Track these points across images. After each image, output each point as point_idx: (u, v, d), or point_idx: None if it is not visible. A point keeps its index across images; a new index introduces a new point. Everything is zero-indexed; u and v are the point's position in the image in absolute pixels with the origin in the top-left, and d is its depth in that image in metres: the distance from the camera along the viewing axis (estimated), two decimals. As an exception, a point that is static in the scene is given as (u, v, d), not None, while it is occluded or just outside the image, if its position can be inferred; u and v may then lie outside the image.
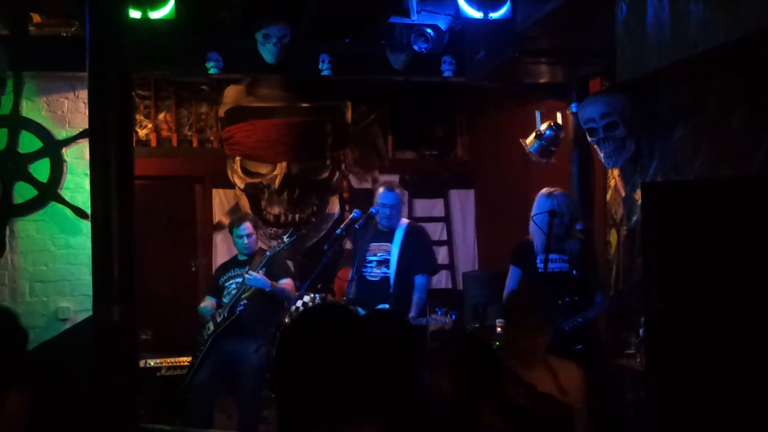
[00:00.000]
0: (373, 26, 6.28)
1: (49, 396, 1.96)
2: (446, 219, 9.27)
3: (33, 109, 7.13)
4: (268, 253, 6.19)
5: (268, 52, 6.32)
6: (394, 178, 8.84)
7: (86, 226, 6.84)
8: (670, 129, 5.16)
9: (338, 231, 6.08)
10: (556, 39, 5.34)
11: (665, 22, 3.81)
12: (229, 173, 8.47)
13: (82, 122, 7.07)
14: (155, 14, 5.55)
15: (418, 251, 5.96)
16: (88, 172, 4.78)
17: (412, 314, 5.72)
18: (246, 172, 8.46)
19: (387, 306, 5.74)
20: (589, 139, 5.71)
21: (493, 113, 8.66)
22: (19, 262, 7.10)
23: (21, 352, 1.95)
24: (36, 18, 6.80)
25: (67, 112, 7.22)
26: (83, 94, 6.96)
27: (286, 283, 6.32)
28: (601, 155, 5.65)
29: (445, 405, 2.86)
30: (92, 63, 4.63)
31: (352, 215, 6.06)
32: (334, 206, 8.85)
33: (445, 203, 9.28)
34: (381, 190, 6.01)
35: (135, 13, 5.41)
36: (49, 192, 7.14)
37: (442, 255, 9.19)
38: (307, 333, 1.83)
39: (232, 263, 6.60)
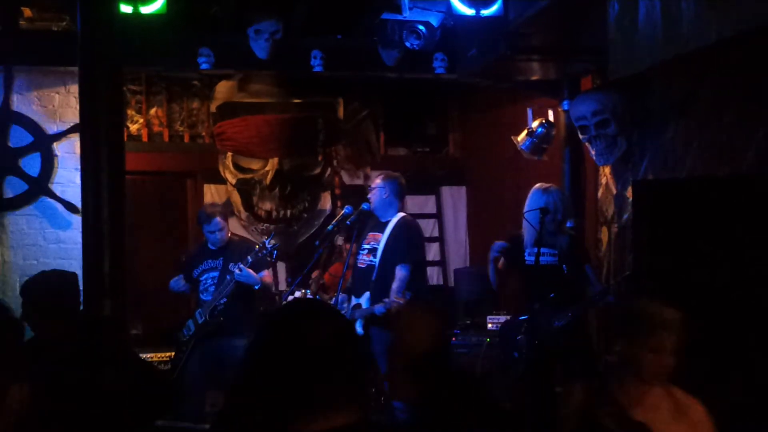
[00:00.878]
0: (365, 22, 6.27)
1: (41, 390, 1.95)
2: (438, 215, 9.27)
3: (24, 103, 7.10)
4: (250, 258, 6.03)
5: (259, 48, 6.31)
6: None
7: (77, 220, 6.81)
8: (662, 127, 5.17)
9: (330, 227, 6.09)
10: (548, 36, 5.35)
11: (657, 20, 3.83)
12: (221, 169, 8.46)
13: (73, 117, 7.05)
14: (146, 9, 5.55)
15: (401, 242, 5.98)
16: (79, 166, 4.78)
17: (384, 300, 5.76)
18: (237, 167, 8.46)
19: (368, 294, 5.84)
20: (580, 136, 5.72)
21: (485, 110, 8.66)
22: (9, 257, 7.08)
23: (19, 344, 1.96)
24: (27, 12, 6.78)
25: (58, 106, 7.20)
26: (74, 88, 6.94)
27: (266, 275, 6.26)
28: (593, 153, 5.66)
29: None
30: (83, 58, 4.63)
31: (343, 211, 6.07)
32: (326, 202, 8.84)
33: (436, 200, 9.28)
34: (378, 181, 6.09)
35: (126, 8, 5.40)
36: (40, 186, 7.12)
37: (433, 251, 9.19)
38: (285, 325, 1.83)
39: (206, 253, 6.37)
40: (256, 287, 6.09)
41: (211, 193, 8.54)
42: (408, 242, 6.02)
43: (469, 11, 5.27)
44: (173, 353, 6.36)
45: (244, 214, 8.55)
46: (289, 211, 8.61)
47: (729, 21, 3.34)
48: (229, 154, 8.43)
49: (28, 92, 7.11)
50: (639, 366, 2.91)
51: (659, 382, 2.95)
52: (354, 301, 5.96)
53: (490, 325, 6.44)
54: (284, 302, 6.78)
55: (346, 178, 8.92)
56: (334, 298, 6.03)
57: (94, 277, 4.59)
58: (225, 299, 6.03)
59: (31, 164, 7.12)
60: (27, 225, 7.16)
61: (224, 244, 6.25)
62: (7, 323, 1.94)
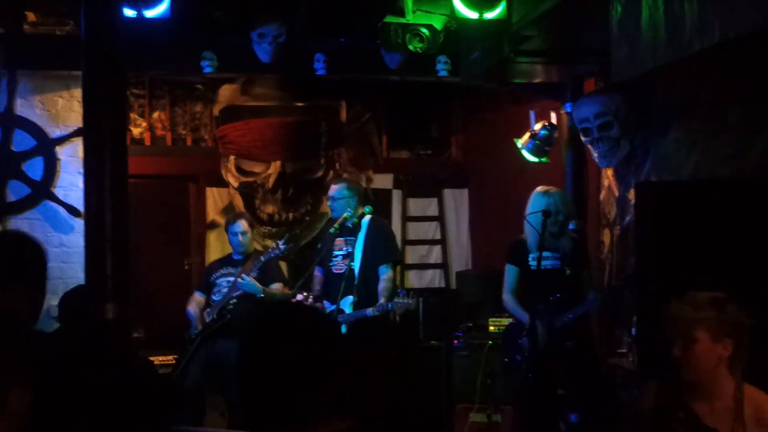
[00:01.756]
0: (368, 25, 6.27)
1: (44, 394, 1.95)
2: (440, 218, 9.27)
3: (27, 107, 7.11)
4: (262, 258, 6.14)
5: (263, 52, 6.32)
6: (388, 177, 8.86)
7: (80, 224, 6.82)
8: (665, 129, 5.17)
9: (331, 230, 6.10)
10: (551, 39, 5.34)
11: (660, 22, 3.82)
12: (224, 172, 8.47)
13: (76, 121, 7.06)
14: (150, 13, 5.54)
15: (380, 243, 6.07)
16: (82, 170, 4.78)
17: (380, 302, 5.77)
18: (240, 170, 8.46)
19: (352, 298, 5.85)
20: (583, 138, 5.72)
21: (487, 113, 8.66)
22: (12, 261, 7.07)
23: (20, 348, 1.95)
24: (31, 16, 6.79)
25: (61, 110, 7.21)
26: (77, 92, 6.95)
27: (276, 288, 6.29)
28: (595, 155, 5.66)
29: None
30: (87, 62, 4.62)
31: (345, 214, 6.07)
32: (328, 205, 8.84)
33: (439, 202, 9.28)
34: (334, 187, 6.25)
35: (130, 12, 5.41)
36: (43, 190, 7.13)
37: (435, 254, 9.19)
38: (275, 331, 1.84)
39: (227, 261, 6.55)
40: (259, 296, 6.08)
41: (214, 197, 8.54)
42: (386, 242, 6.18)
43: (473, 14, 5.27)
44: (179, 352, 6.40)
45: (246, 218, 8.56)
46: (291, 214, 8.62)
47: (732, 22, 3.34)
48: (232, 157, 8.43)
49: (31, 96, 7.11)
50: (692, 366, 2.83)
51: (727, 378, 2.85)
52: (330, 307, 5.94)
53: (492, 328, 6.44)
54: (269, 309, 6.81)
55: (349, 182, 8.92)
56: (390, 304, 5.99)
57: (96, 280, 4.59)
58: (234, 300, 6.11)
59: (34, 168, 7.12)
60: (30, 229, 7.15)
61: (247, 256, 6.35)
62: (9, 327, 1.95)
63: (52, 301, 7.02)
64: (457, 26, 6.08)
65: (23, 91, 7.10)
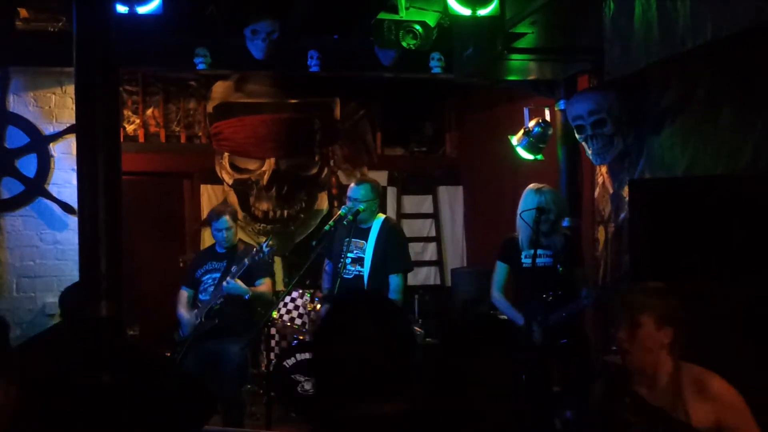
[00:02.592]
0: (362, 22, 6.27)
1: (36, 392, 1.95)
2: (435, 215, 9.28)
3: (20, 104, 7.10)
4: (246, 261, 5.97)
5: (256, 48, 6.31)
6: (383, 175, 8.86)
7: (73, 221, 6.83)
8: (658, 126, 5.18)
9: (326, 227, 6.04)
10: (545, 36, 5.34)
11: (653, 20, 3.83)
12: (218, 169, 8.47)
13: (70, 117, 7.06)
14: (143, 9, 5.54)
15: (392, 250, 5.84)
16: (76, 167, 4.76)
17: None
18: (234, 167, 8.47)
19: None
20: (577, 136, 5.72)
21: (481, 110, 8.67)
22: (6, 258, 7.07)
23: (3, 343, 1.95)
24: (23, 13, 6.76)
25: (54, 107, 7.20)
26: (70, 89, 6.94)
27: (263, 284, 6.16)
28: (589, 152, 5.67)
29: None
30: (79, 58, 4.60)
31: (340, 211, 6.03)
32: (323, 202, 8.86)
33: (433, 199, 9.29)
34: (352, 185, 5.95)
35: (122, 9, 5.39)
36: (37, 187, 7.12)
37: (430, 251, 9.21)
38: (349, 317, 2.00)
39: (210, 255, 6.34)
40: (246, 297, 6.02)
41: (208, 194, 8.55)
42: (398, 248, 5.92)
43: (465, 11, 5.26)
44: (169, 353, 6.31)
45: (240, 215, 8.56)
46: (285, 212, 8.63)
47: (725, 20, 3.35)
48: (226, 154, 8.44)
49: (24, 93, 7.10)
50: (636, 349, 3.00)
51: (666, 361, 3.00)
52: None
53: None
54: (282, 304, 6.75)
55: (343, 178, 8.92)
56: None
57: (90, 278, 4.56)
58: (221, 300, 5.99)
59: (28, 165, 7.11)
60: (23, 226, 7.15)
61: (231, 248, 6.22)
62: None
63: (47, 298, 7.07)
64: (450, 23, 6.08)
65: (16, 87, 7.09)
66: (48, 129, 7.14)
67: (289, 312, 7.37)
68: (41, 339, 3.81)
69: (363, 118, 8.95)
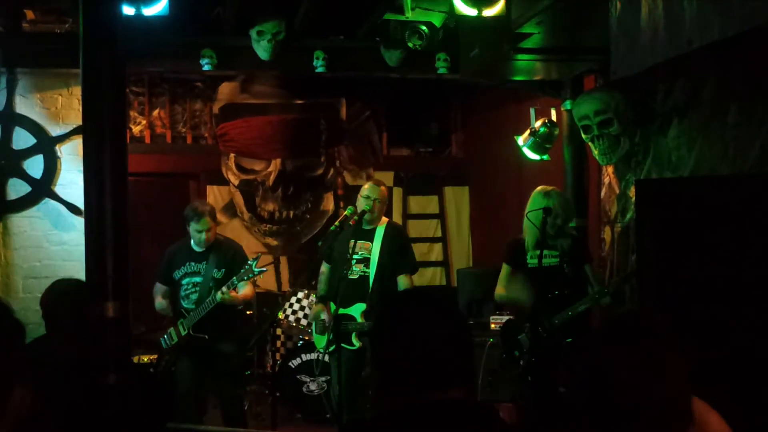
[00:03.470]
0: (368, 23, 6.27)
1: (44, 392, 1.95)
2: (441, 216, 9.28)
3: (27, 105, 7.12)
4: (235, 280, 5.69)
5: (262, 49, 6.32)
6: (389, 175, 8.86)
7: (80, 222, 6.84)
8: (665, 126, 5.16)
9: (332, 227, 6.03)
10: (551, 36, 5.33)
11: (659, 19, 3.82)
12: (224, 170, 8.49)
13: (76, 119, 7.07)
14: (149, 11, 5.54)
15: (399, 251, 5.88)
16: (82, 168, 4.77)
17: None
18: (240, 168, 8.48)
19: (364, 305, 5.69)
20: (583, 136, 5.71)
21: (487, 110, 8.66)
22: (12, 259, 7.08)
23: (21, 346, 1.95)
24: (30, 14, 6.79)
25: (60, 108, 7.21)
26: (77, 90, 6.96)
27: (246, 290, 5.96)
28: (596, 152, 5.66)
29: None
30: (86, 59, 4.61)
31: (345, 211, 6.02)
32: (329, 203, 8.86)
33: (439, 200, 9.29)
34: (366, 185, 5.93)
35: (129, 10, 5.40)
36: (43, 188, 7.13)
37: (436, 252, 9.21)
38: (411, 308, 2.09)
39: (188, 254, 6.08)
40: (239, 308, 5.98)
41: (214, 195, 8.56)
42: (405, 249, 5.98)
43: (471, 11, 5.25)
44: (156, 360, 6.16)
45: (246, 215, 8.58)
46: (291, 212, 8.64)
47: (732, 19, 3.34)
48: (232, 155, 8.45)
49: (31, 94, 7.11)
50: None
51: None
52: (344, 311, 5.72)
53: (493, 326, 6.43)
54: (288, 304, 6.73)
55: (349, 179, 8.93)
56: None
57: (97, 279, 4.57)
58: (209, 309, 5.80)
59: (34, 166, 7.12)
60: (30, 227, 7.16)
61: (209, 246, 6.02)
62: (9, 325, 1.94)
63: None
64: (456, 23, 6.09)
65: (23, 89, 7.10)
66: (55, 130, 7.16)
67: (294, 312, 7.38)
68: (47, 340, 3.80)
69: (369, 119, 8.96)
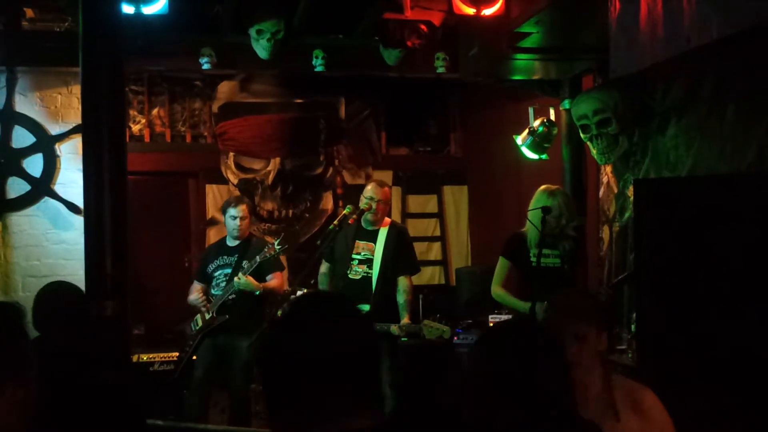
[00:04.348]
0: (367, 22, 6.28)
1: (43, 390, 1.96)
2: (440, 215, 9.28)
3: (26, 104, 7.12)
4: (258, 258, 5.96)
5: (261, 48, 6.32)
6: (388, 174, 8.86)
7: (79, 221, 6.83)
8: (663, 125, 5.17)
9: (331, 227, 6.04)
10: (549, 35, 5.34)
11: (658, 19, 3.83)
12: (223, 169, 8.49)
13: (76, 117, 7.07)
14: (148, 9, 5.55)
15: (403, 252, 5.89)
16: (82, 167, 4.78)
17: (404, 319, 5.66)
18: (239, 167, 8.48)
19: (368, 306, 5.66)
20: (581, 135, 5.71)
21: (486, 109, 8.67)
22: (11, 257, 7.09)
23: (21, 332, 1.96)
24: (29, 13, 6.79)
25: (60, 107, 7.22)
26: (76, 89, 6.97)
27: (274, 278, 6.16)
28: (594, 152, 5.66)
29: None
30: (85, 58, 4.62)
31: (345, 211, 6.03)
32: (328, 202, 8.86)
33: (438, 199, 9.29)
34: (370, 186, 5.92)
35: (128, 9, 5.41)
36: (43, 187, 7.14)
37: (435, 251, 9.20)
38: (301, 321, 1.75)
39: (222, 249, 6.32)
40: (257, 293, 6.02)
41: (213, 194, 8.56)
42: (408, 251, 5.99)
43: (470, 10, 5.26)
44: (181, 348, 6.34)
45: (246, 214, 8.58)
46: (290, 211, 8.65)
47: (730, 19, 3.35)
48: (231, 154, 8.45)
49: (30, 93, 7.12)
50: (585, 358, 2.76)
51: (598, 373, 2.81)
52: None
53: (492, 325, 6.43)
54: (299, 298, 6.74)
55: (348, 178, 8.93)
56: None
57: (96, 277, 4.59)
58: (234, 296, 6.01)
59: (34, 165, 7.13)
60: (29, 226, 7.17)
61: (242, 241, 6.21)
62: (12, 324, 1.95)
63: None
64: (455, 23, 6.09)
65: (22, 87, 7.11)
66: (54, 129, 7.17)
67: (294, 311, 7.38)
68: (48, 339, 3.81)
69: (368, 118, 8.96)
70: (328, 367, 1.66)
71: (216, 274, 6.21)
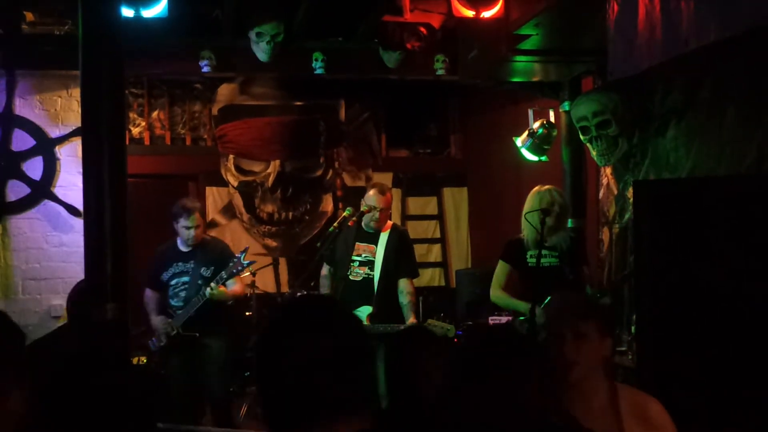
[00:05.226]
0: (367, 25, 6.29)
1: (42, 394, 1.96)
2: (440, 217, 9.28)
3: (26, 107, 7.13)
4: (224, 274, 5.70)
5: (261, 51, 6.33)
6: (388, 176, 8.87)
7: (79, 223, 6.82)
8: (663, 127, 5.17)
9: (330, 229, 6.03)
10: (549, 37, 5.35)
11: (656, 21, 3.83)
12: (223, 171, 8.49)
13: (75, 120, 7.08)
14: (148, 13, 5.55)
15: (403, 255, 5.89)
16: (81, 170, 4.78)
17: (409, 320, 5.67)
18: (239, 170, 8.49)
19: (369, 307, 5.67)
20: (581, 137, 5.72)
21: (486, 111, 8.68)
22: (11, 260, 7.09)
23: (20, 349, 1.96)
24: (29, 16, 6.79)
25: (60, 110, 7.22)
26: (76, 92, 6.98)
27: (236, 283, 5.97)
28: (594, 153, 5.66)
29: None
30: (85, 61, 4.62)
31: (344, 213, 6.02)
32: (328, 204, 8.87)
33: (438, 201, 9.30)
34: (371, 192, 5.90)
35: (128, 12, 5.41)
36: (43, 190, 7.14)
37: (435, 253, 9.21)
38: (294, 325, 1.74)
39: (176, 254, 6.02)
40: (229, 303, 5.94)
41: (213, 196, 8.57)
42: (410, 254, 5.99)
43: (470, 13, 5.27)
44: (144, 359, 6.08)
45: (246, 217, 8.58)
46: (290, 213, 8.65)
47: (729, 20, 3.35)
48: (231, 156, 8.46)
49: (30, 96, 7.13)
50: (568, 361, 2.67)
51: (603, 383, 2.73)
52: None
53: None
54: (289, 301, 6.72)
55: (348, 180, 8.94)
56: None
57: (96, 280, 4.58)
58: (199, 307, 5.75)
59: (34, 168, 7.14)
60: (29, 228, 7.17)
61: (196, 245, 5.97)
62: (8, 329, 1.95)
63: (53, 300, 7.08)
64: (454, 25, 6.10)
65: (22, 90, 7.12)
66: (54, 132, 7.17)
67: (294, 314, 7.37)
68: (48, 341, 3.81)
69: (368, 120, 8.97)
70: (322, 368, 1.65)
71: (173, 282, 5.94)
